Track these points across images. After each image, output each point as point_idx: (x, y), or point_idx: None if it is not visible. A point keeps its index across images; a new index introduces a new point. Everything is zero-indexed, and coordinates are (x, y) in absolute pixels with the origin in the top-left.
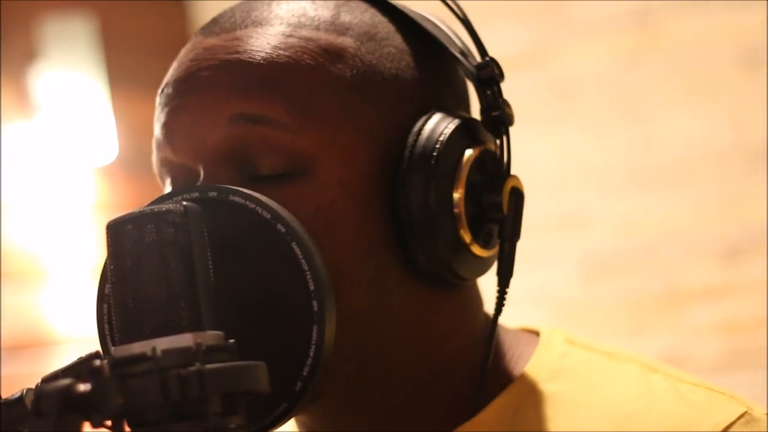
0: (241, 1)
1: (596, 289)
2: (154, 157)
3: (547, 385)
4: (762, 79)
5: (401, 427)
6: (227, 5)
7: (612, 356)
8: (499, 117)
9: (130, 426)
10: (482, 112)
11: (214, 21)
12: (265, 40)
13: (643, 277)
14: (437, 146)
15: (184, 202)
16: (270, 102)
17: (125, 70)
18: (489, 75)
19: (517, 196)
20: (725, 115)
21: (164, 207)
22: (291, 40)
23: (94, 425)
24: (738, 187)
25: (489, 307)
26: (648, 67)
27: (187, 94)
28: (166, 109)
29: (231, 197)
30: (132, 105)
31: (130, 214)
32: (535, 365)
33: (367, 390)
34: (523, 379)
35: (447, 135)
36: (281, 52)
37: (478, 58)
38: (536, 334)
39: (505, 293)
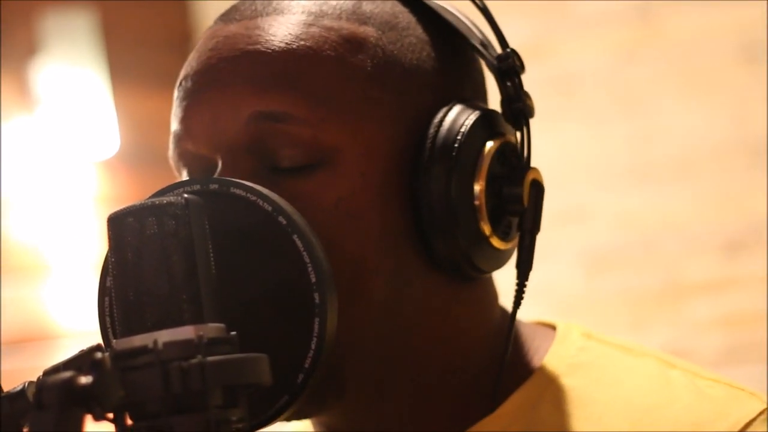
0: None
1: (596, 283)
2: (171, 152)
3: (565, 380)
4: (762, 74)
5: (421, 420)
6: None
7: (629, 351)
8: (519, 109)
9: (131, 419)
10: (503, 103)
11: (235, 8)
12: (286, 30)
13: (643, 272)
14: (458, 137)
15: (186, 195)
16: (290, 98)
17: (126, 64)
18: (510, 66)
19: (538, 188)
20: (725, 110)
21: (165, 199)
22: (312, 30)
23: (96, 418)
24: (738, 181)
25: (504, 300)
26: (648, 62)
27: (207, 88)
28: (185, 103)
29: (232, 189)
30: (133, 99)
31: (131, 206)
32: (552, 359)
33: (387, 382)
34: (541, 372)
35: (468, 126)
36: (302, 42)
37: (498, 50)
38: (552, 327)
39: (525, 285)
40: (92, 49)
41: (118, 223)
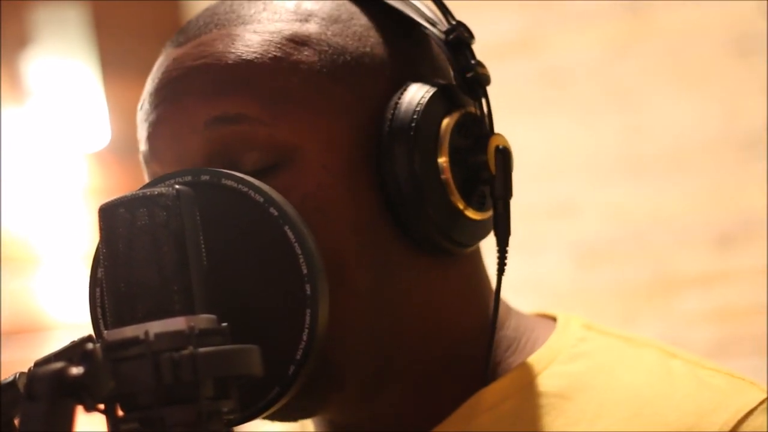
0: (207, 6)
1: (588, 277)
2: (144, 173)
3: (563, 366)
4: (754, 67)
5: (419, 403)
6: None
7: (630, 341)
8: (474, 78)
9: (122, 410)
10: (456, 75)
11: (182, 31)
12: (229, 41)
13: (634, 265)
14: (415, 116)
15: (177, 186)
16: (241, 100)
17: (118, 55)
18: (457, 38)
19: (504, 153)
20: (717, 103)
21: (156, 190)
22: (255, 37)
23: (87, 409)
24: (730, 174)
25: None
26: (639, 55)
27: (162, 106)
28: (146, 125)
29: (223, 181)
30: (124, 91)
31: (122, 197)
32: (551, 347)
33: (385, 370)
34: (539, 357)
35: (424, 104)
36: (246, 49)
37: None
38: (553, 319)
39: (506, 252)
40: (83, 40)
41: (109, 214)
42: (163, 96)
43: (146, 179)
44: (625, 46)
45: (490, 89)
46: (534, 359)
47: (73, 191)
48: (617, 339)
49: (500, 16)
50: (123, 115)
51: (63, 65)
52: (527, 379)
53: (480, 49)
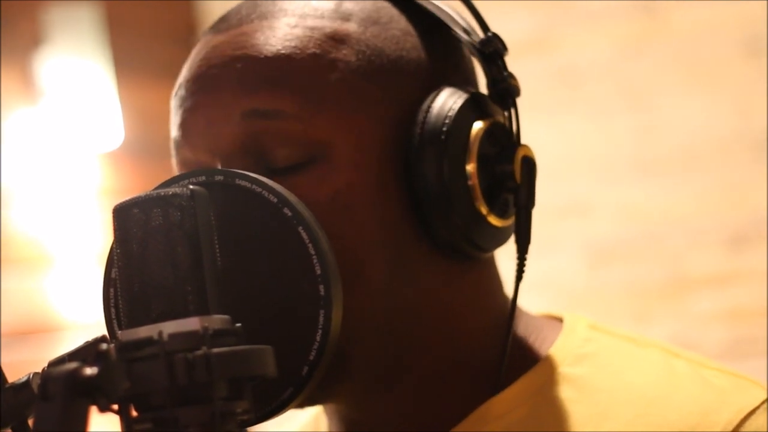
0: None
1: (600, 276)
2: (174, 159)
3: (570, 369)
4: (766, 67)
5: (428, 404)
6: None
7: (634, 341)
8: (505, 89)
9: (136, 410)
10: (488, 85)
11: (223, 18)
12: (270, 33)
13: (647, 265)
14: (446, 121)
15: (191, 186)
16: (279, 95)
17: (131, 55)
18: (492, 50)
19: (529, 164)
20: (729, 103)
21: (171, 191)
22: (296, 31)
23: (101, 409)
24: (742, 174)
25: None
26: (652, 55)
27: (199, 94)
28: (180, 111)
29: (238, 181)
30: (138, 91)
31: (136, 197)
32: (558, 349)
33: (395, 368)
34: (547, 361)
35: (456, 110)
36: (287, 43)
37: (482, 35)
38: (560, 320)
39: (525, 260)
40: (96, 40)
41: (123, 214)
42: (201, 84)
43: (174, 166)
44: (637, 46)
45: None
46: (542, 364)
47: (87, 191)
48: (622, 339)
49: (513, 16)
50: (136, 115)
51: (76, 65)
52: (536, 386)
53: None
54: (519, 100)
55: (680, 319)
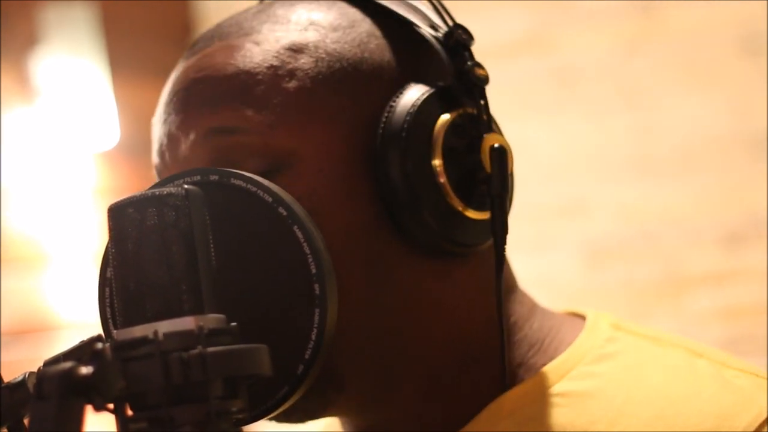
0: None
1: (597, 275)
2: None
3: (589, 368)
4: (764, 66)
5: (432, 406)
6: None
7: (658, 341)
8: (470, 79)
9: (132, 409)
10: (455, 77)
11: (191, 45)
12: (230, 52)
13: (644, 264)
14: (407, 117)
15: (186, 186)
16: (239, 111)
17: (126, 55)
18: (456, 41)
19: (499, 152)
20: (727, 102)
21: (166, 190)
22: (254, 47)
23: (96, 408)
24: (739, 173)
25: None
26: (650, 54)
27: (168, 118)
28: (156, 138)
29: (232, 180)
30: (133, 90)
31: (131, 197)
32: (577, 348)
33: (389, 374)
34: (562, 360)
35: (417, 106)
36: (246, 59)
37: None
38: (582, 318)
39: (503, 250)
40: (92, 40)
41: (118, 214)
42: (169, 109)
43: None
44: (635, 46)
45: (500, 88)
46: (558, 362)
47: (82, 191)
48: (645, 339)
49: (511, 15)
50: (132, 114)
51: (72, 65)
52: (549, 383)
53: (490, 48)
54: (516, 100)
55: (678, 317)
